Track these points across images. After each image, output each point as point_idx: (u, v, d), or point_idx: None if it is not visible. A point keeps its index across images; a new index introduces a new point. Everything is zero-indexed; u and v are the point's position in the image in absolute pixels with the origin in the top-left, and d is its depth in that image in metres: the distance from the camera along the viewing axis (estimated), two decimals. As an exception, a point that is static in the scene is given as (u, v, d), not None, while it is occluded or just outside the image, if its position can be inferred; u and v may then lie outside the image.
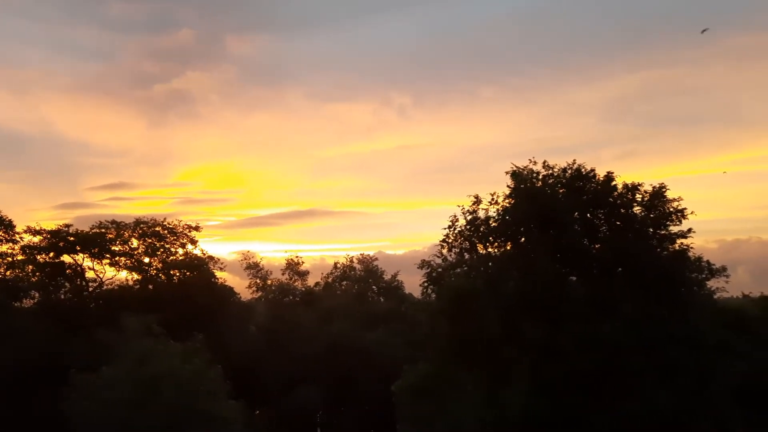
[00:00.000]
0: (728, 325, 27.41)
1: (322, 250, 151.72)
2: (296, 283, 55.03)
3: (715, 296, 27.47)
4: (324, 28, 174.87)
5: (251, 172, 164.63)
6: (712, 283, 27.03)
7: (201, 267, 46.06)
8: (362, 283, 56.66)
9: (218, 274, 46.99)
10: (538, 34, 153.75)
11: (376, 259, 57.88)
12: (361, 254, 58.36)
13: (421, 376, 27.73)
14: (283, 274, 54.40)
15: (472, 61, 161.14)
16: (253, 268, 53.55)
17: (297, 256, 55.66)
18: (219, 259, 47.45)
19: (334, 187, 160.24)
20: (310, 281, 55.96)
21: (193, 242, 46.91)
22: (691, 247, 26.46)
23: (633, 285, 24.98)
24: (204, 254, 46.78)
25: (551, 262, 25.60)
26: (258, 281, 53.46)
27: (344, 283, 57.16)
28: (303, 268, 55.46)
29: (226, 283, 47.83)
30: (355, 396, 43.36)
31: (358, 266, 57.39)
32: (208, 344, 30.20)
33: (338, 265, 57.90)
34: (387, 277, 56.63)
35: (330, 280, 57.54)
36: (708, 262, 26.68)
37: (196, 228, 47.27)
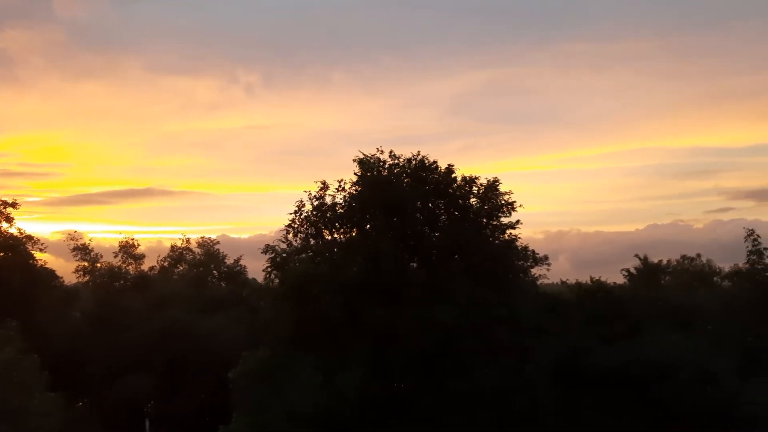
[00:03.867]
0: (547, 309, 30.10)
1: (159, 233, 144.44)
2: (129, 267, 51.49)
3: (538, 282, 30.13)
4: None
5: (80, 146, 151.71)
6: (535, 271, 29.66)
7: (17, 248, 41.83)
8: (201, 267, 54.48)
9: (38, 255, 43.09)
10: (391, 24, 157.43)
11: (218, 242, 55.98)
12: (201, 237, 56.13)
13: (260, 362, 27.27)
14: (115, 257, 50.66)
15: (324, 45, 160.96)
16: (80, 250, 49.22)
17: (132, 239, 52.11)
18: (39, 239, 43.39)
19: (174, 166, 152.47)
20: (146, 265, 52.73)
21: (9, 220, 42.33)
22: (519, 237, 28.77)
23: (467, 271, 26.53)
24: (21, 233, 42.53)
25: (394, 248, 26.41)
26: (86, 264, 49.30)
27: (181, 266, 54.62)
28: (139, 251, 52.06)
29: (47, 266, 44.05)
30: (190, 384, 41.65)
31: (197, 249, 55.08)
32: (24, 332, 27.79)
33: (175, 248, 55.19)
34: (229, 261, 55.00)
35: (166, 263, 54.68)
36: (533, 251, 29.23)
37: (13, 204, 42.65)
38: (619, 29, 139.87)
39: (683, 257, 46.62)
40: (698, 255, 46.54)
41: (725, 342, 29.32)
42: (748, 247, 33.32)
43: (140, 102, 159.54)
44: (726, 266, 43.47)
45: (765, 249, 33.18)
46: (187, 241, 55.12)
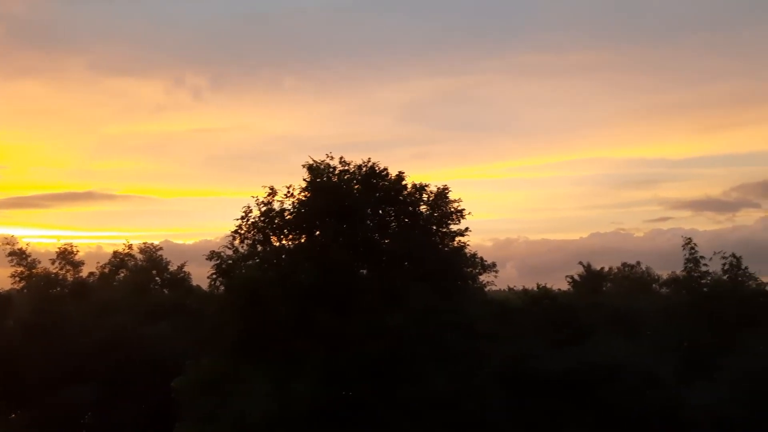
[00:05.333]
0: (495, 315, 30.49)
1: (99, 238, 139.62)
2: (68, 274, 49.48)
3: (486, 289, 30.49)
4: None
5: (15, 146, 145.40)
6: (483, 277, 29.98)
7: (-57, 252, 39.86)
8: (144, 273, 52.87)
9: (-33, 261, 41.08)
10: (343, 29, 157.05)
11: (161, 248, 54.42)
12: (144, 243, 54.48)
13: (205, 371, 26.58)
14: (53, 264, 48.58)
15: (275, 48, 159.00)
16: (16, 255, 47.01)
17: (71, 244, 50.06)
18: (-33, 244, 41.40)
19: (116, 169, 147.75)
20: (85, 271, 50.75)
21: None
22: (468, 244, 29.03)
23: (417, 277, 26.58)
24: (-52, 237, 40.48)
25: (344, 254, 26.22)
26: (23, 270, 47.11)
27: (122, 273, 52.86)
28: (78, 257, 50.07)
29: (-24, 272, 42.04)
30: (132, 394, 40.31)
31: (139, 255, 53.43)
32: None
33: (116, 254, 53.38)
34: (173, 267, 53.55)
35: (106, 270, 52.83)
36: (481, 258, 29.54)
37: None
38: (569, 41, 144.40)
39: (624, 264, 48.25)
40: (638, 262, 48.33)
41: (664, 346, 30.29)
42: (685, 255, 34.57)
43: (82, 102, 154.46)
44: (664, 273, 45.27)
45: (701, 257, 34.48)
46: (129, 246, 53.39)
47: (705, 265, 34.45)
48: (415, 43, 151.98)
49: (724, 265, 34.25)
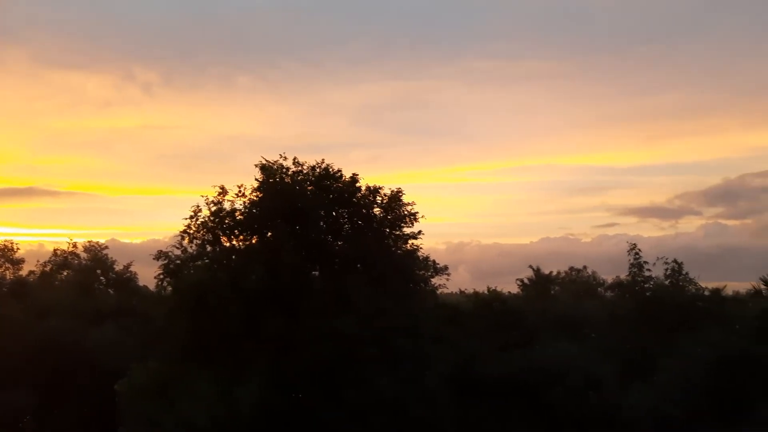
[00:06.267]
0: (446, 319, 30.74)
1: (41, 235, 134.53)
2: (7, 272, 47.75)
3: (438, 292, 30.72)
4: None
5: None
6: (436, 280, 30.22)
7: None
8: (88, 273, 51.40)
9: None
10: (298, 30, 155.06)
11: (107, 247, 53.07)
12: (88, 241, 53.00)
13: (151, 375, 25.98)
14: (-9, 262, 46.78)
15: (229, 47, 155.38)
16: (-49, 252, 45.11)
17: (10, 241, 48.35)
18: None
19: (60, 165, 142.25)
20: (25, 270, 49.08)
21: None
22: (421, 248, 29.18)
23: (369, 280, 26.57)
24: None
25: (295, 256, 26.01)
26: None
27: (65, 272, 51.27)
28: (18, 255, 48.38)
29: None
30: (74, 398, 39.09)
31: (84, 254, 51.95)
32: None
33: (59, 253, 51.75)
34: (119, 267, 52.22)
35: (48, 269, 51.17)
36: (434, 261, 29.75)
37: None
38: (522, 49, 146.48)
39: (571, 269, 49.54)
40: (584, 267, 49.73)
41: (608, 350, 31.09)
42: (630, 260, 35.55)
43: (24, 96, 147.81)
44: (609, 278, 46.62)
45: (645, 262, 35.52)
46: (74, 245, 52.03)
47: (648, 270, 35.50)
48: (369, 46, 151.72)
49: (666, 270, 35.35)
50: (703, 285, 35.73)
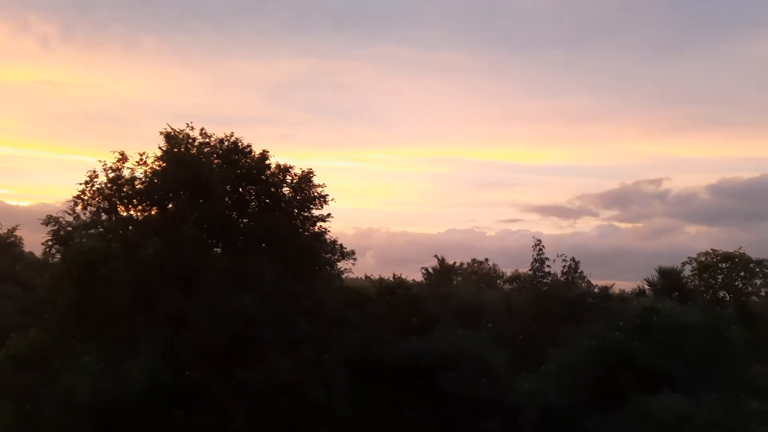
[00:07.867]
0: (349, 303, 30.80)
1: None
2: None
3: (344, 276, 30.67)
4: None
5: None
6: (342, 264, 30.11)
7: None
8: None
9: None
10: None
11: (-9, 209, 49.27)
12: (-30, 201, 49.00)
13: (30, 345, 24.40)
14: None
15: (134, 4, 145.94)
16: None
17: None
18: None
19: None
20: None
21: None
22: (329, 231, 28.96)
23: (274, 260, 26.13)
24: None
25: (196, 231, 25.16)
26: None
27: (-58, 233, 47.20)
28: None
29: None
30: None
31: (-36, 215, 47.97)
32: None
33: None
34: (2, 230, 48.65)
35: None
36: (341, 245, 29.62)
37: None
38: (438, 40, 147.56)
39: (473, 260, 51.24)
40: (486, 259, 51.58)
41: (502, 338, 32.30)
42: (534, 255, 36.83)
43: None
44: (509, 271, 48.59)
45: (546, 258, 36.98)
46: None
47: (548, 266, 37.02)
48: (285, 20, 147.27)
49: (564, 267, 37.02)
50: (594, 282, 37.86)
